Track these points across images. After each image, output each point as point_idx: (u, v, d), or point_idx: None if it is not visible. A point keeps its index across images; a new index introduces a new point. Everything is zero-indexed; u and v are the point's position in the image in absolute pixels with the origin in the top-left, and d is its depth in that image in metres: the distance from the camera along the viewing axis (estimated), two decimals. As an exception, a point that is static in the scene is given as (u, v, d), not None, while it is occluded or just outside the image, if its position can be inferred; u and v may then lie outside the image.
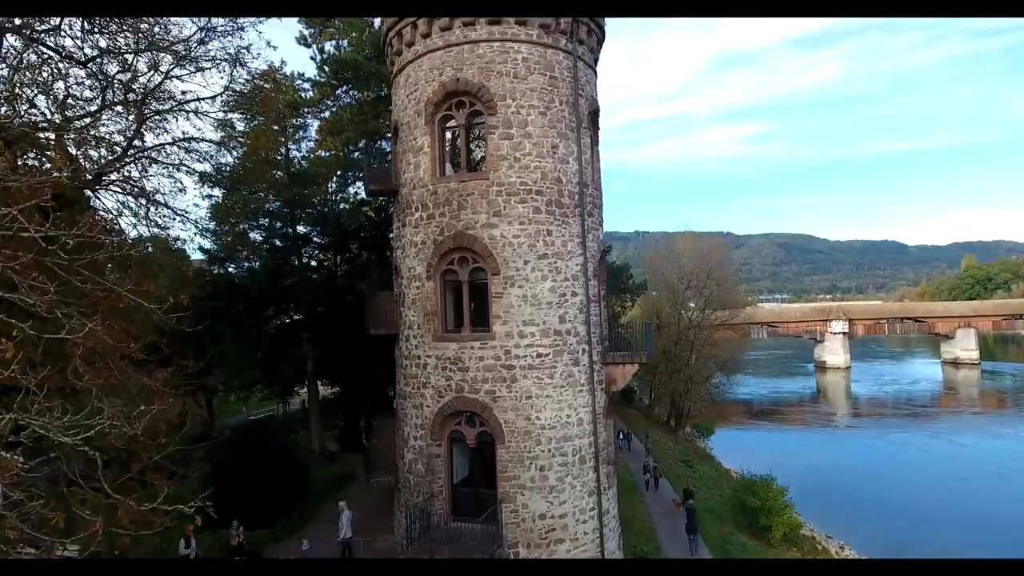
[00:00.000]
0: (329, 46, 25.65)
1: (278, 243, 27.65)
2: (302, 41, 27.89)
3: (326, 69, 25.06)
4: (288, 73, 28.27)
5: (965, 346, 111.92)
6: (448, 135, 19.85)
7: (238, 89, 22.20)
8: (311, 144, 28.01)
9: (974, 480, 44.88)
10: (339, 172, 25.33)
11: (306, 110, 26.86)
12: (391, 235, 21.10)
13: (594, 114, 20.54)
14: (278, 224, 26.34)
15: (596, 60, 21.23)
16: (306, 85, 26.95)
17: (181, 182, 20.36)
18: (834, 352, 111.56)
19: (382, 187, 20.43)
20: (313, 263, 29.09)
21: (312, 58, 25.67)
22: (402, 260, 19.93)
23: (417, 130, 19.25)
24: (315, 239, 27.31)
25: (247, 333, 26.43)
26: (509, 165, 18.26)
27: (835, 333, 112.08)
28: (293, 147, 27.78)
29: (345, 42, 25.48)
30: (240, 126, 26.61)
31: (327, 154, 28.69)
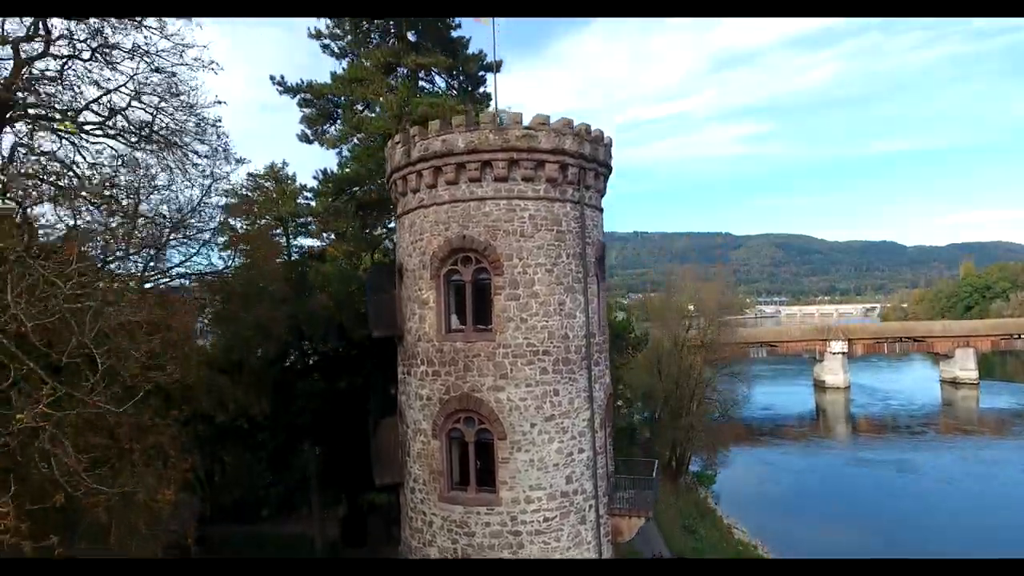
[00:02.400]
0: (332, 157, 25.40)
1: (282, 337, 27.27)
2: (303, 139, 27.53)
3: (330, 184, 24.78)
4: (290, 173, 28.04)
5: (964, 366, 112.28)
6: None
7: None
8: (313, 229, 27.81)
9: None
10: (341, 282, 25.00)
11: (309, 218, 26.64)
12: (398, 379, 20.82)
13: (600, 257, 20.31)
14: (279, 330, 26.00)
15: (603, 194, 20.97)
16: (308, 193, 26.72)
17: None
18: (833, 372, 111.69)
19: (387, 332, 20.18)
20: (316, 357, 28.77)
21: (315, 177, 25.44)
22: (407, 407, 19.70)
23: (422, 281, 18.99)
24: (318, 341, 27.01)
25: (248, 442, 26.22)
26: (516, 327, 18.02)
27: (834, 353, 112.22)
28: (295, 246, 27.60)
29: (346, 150, 25.22)
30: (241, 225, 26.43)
31: (325, 243, 28.43)
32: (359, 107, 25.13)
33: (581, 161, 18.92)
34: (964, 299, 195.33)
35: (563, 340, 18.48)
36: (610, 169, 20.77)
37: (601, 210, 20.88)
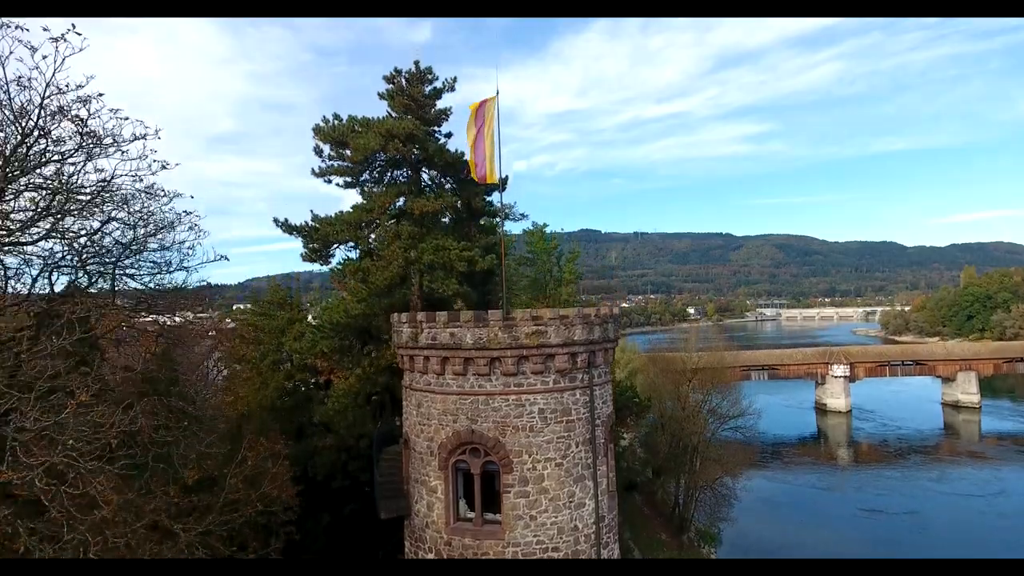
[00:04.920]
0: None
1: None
2: (307, 258, 27.26)
3: (335, 328, 24.55)
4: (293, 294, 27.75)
5: (966, 389, 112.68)
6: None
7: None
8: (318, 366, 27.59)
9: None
10: (347, 428, 24.79)
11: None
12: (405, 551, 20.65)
13: (611, 428, 20.13)
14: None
15: (611, 361, 20.76)
16: (313, 325, 26.51)
17: None
18: (835, 395, 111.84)
19: (396, 514, 19.96)
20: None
21: (320, 322, 25.14)
22: (415, 588, 19.54)
23: (430, 468, 18.81)
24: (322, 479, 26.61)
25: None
26: (525, 524, 17.85)
27: (836, 376, 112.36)
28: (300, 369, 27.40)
29: (352, 283, 24.95)
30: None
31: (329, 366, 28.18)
32: (364, 239, 24.86)
33: (590, 346, 18.71)
34: (965, 308, 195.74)
35: (572, 532, 18.32)
36: (617, 340, 20.56)
37: (610, 380, 20.68)
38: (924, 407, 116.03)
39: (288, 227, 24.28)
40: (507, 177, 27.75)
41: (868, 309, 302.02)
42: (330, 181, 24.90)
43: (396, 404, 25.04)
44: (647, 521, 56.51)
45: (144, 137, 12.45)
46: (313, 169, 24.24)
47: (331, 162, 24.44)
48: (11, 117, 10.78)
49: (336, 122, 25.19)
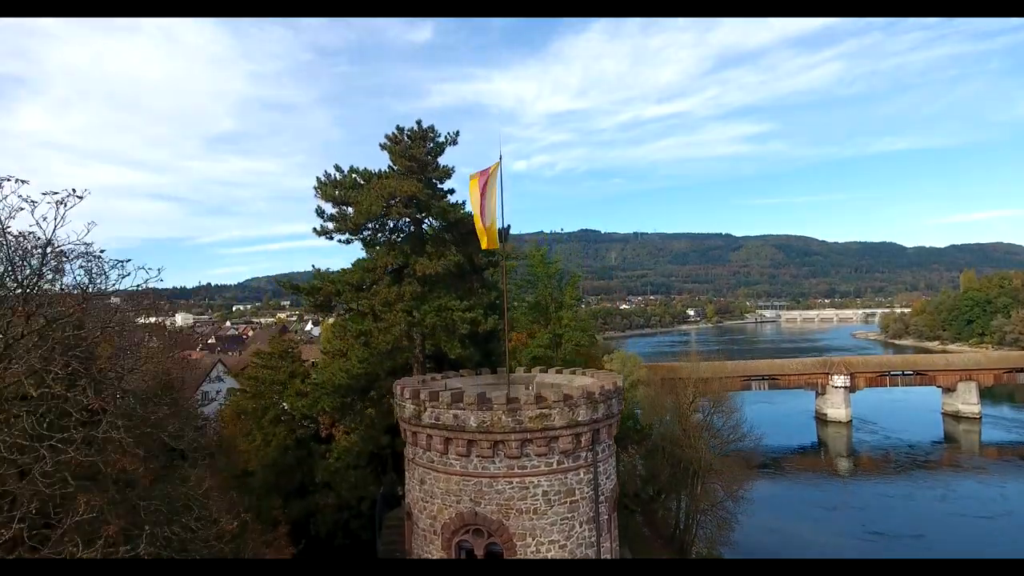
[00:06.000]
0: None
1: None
2: (310, 311, 27.18)
3: (338, 388, 24.48)
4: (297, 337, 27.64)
5: (966, 399, 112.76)
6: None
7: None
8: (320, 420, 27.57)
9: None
10: (349, 489, 24.72)
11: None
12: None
13: (615, 501, 20.04)
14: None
15: (615, 431, 20.65)
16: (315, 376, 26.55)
17: None
18: (835, 405, 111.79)
19: (397, 589, 19.89)
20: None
21: (320, 383, 25.16)
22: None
23: (433, 546, 18.74)
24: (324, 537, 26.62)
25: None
26: (529, 608, 17.74)
27: (836, 387, 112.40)
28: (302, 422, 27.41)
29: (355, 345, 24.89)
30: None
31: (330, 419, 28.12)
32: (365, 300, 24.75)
33: (594, 425, 18.62)
34: (964, 313, 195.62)
35: (577, 613, 18.22)
36: (621, 412, 20.47)
37: (614, 453, 20.59)
38: (924, 417, 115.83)
39: (291, 287, 24.19)
40: (508, 227, 27.70)
41: (868, 311, 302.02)
42: (332, 238, 24.78)
43: (398, 462, 25.01)
44: (647, 543, 56.38)
45: (146, 284, 12.27)
46: (315, 228, 24.12)
47: (333, 222, 24.32)
48: (11, 295, 10.62)
49: (338, 175, 25.05)
